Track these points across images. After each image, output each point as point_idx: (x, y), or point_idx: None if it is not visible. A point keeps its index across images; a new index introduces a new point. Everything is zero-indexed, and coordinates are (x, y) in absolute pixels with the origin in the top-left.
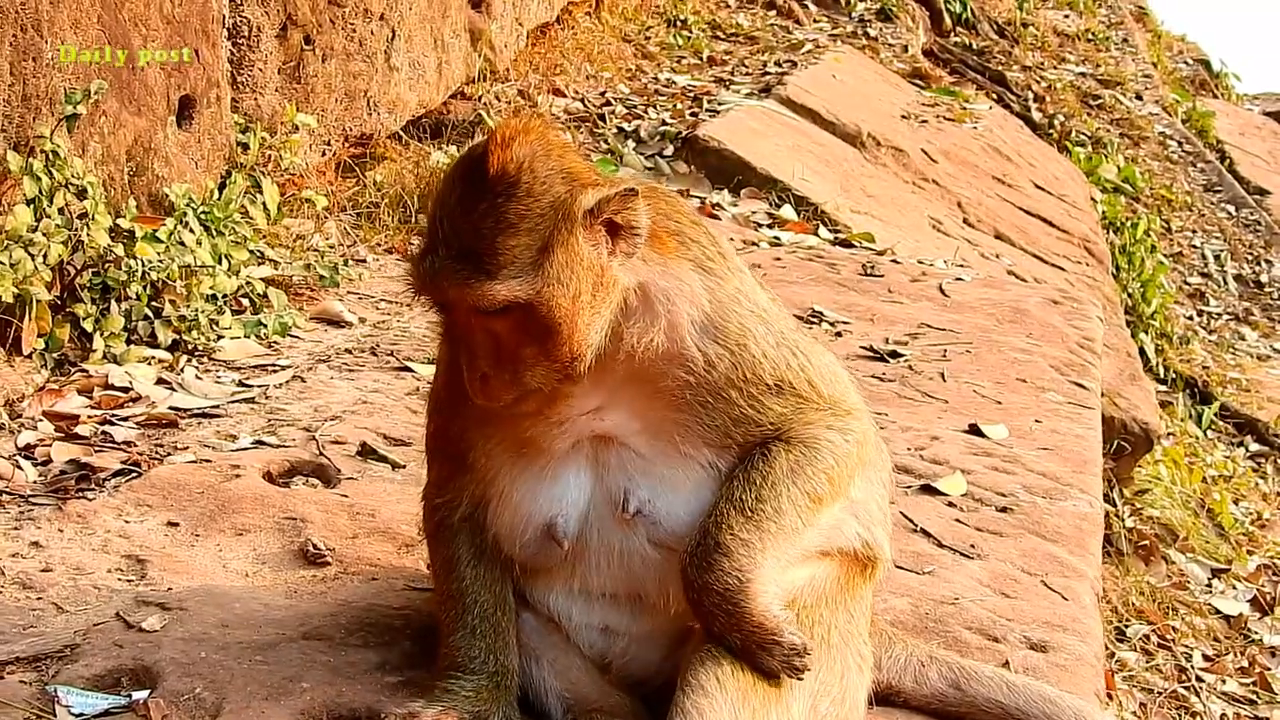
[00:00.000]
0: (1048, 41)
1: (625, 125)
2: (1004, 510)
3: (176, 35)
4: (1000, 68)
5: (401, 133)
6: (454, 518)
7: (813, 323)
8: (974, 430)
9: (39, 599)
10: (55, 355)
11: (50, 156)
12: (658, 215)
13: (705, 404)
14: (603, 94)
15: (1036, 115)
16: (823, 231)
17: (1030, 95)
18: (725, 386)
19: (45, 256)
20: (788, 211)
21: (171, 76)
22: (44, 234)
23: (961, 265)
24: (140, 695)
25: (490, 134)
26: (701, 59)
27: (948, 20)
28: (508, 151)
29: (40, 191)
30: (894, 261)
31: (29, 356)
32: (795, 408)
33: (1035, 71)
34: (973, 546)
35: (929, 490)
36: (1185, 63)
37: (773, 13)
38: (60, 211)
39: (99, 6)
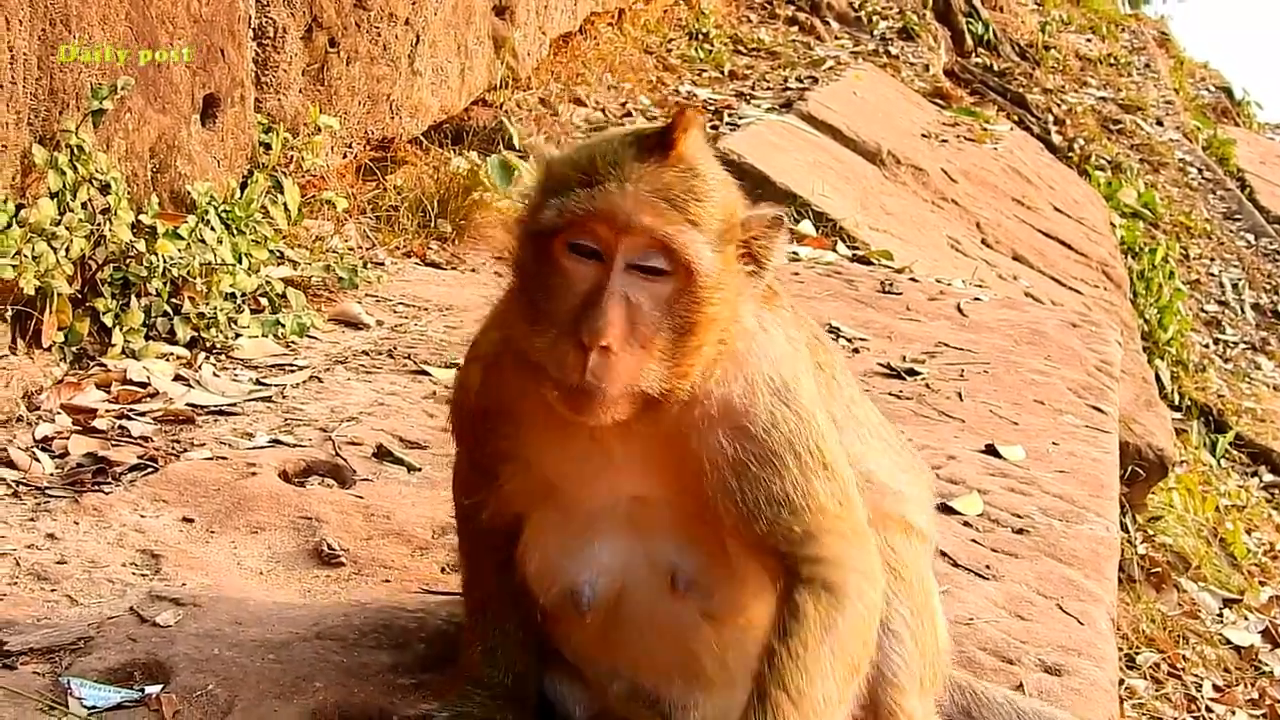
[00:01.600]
0: (1069, 65)
1: None
2: (1020, 532)
3: (203, 34)
4: (1021, 90)
5: (422, 137)
6: (480, 516)
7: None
8: (990, 451)
9: (53, 591)
10: (74, 349)
11: (75, 151)
12: None
13: (749, 473)
14: (623, 104)
15: (1056, 138)
16: (841, 248)
17: (1050, 118)
18: (782, 452)
19: (67, 250)
20: (806, 227)
21: (196, 75)
22: (67, 228)
23: (979, 285)
24: (153, 690)
25: (673, 119)
26: (723, 73)
27: (969, 41)
28: (690, 134)
29: (64, 185)
30: (912, 279)
31: (48, 349)
32: (835, 509)
33: (1056, 94)
34: (988, 567)
35: (945, 509)
36: (1207, 90)
37: (795, 29)
38: (83, 206)
39: (127, 3)
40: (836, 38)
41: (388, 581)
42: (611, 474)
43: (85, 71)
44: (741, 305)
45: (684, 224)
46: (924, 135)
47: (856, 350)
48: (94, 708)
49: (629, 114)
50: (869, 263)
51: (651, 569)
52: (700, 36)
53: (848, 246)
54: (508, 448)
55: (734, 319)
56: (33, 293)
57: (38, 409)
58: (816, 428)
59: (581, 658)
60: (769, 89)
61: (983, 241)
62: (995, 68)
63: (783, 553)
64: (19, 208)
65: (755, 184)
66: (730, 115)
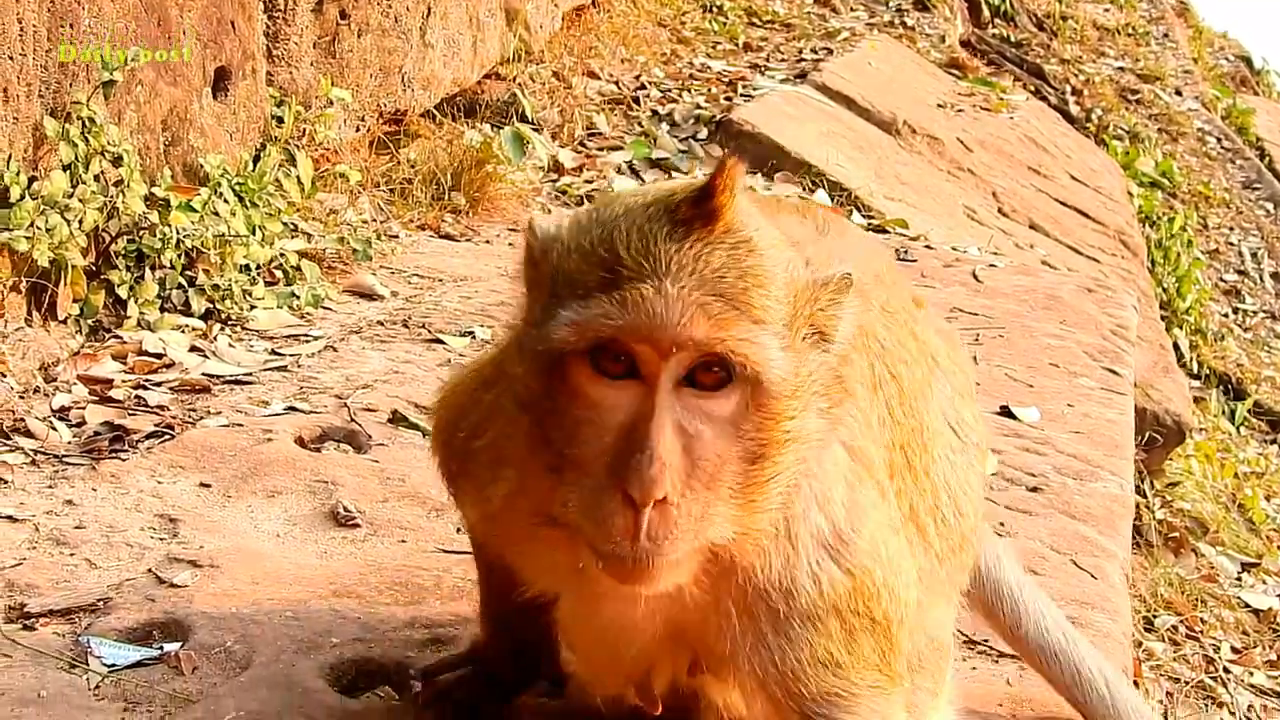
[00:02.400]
0: (1087, 35)
1: (659, 109)
2: (1034, 490)
3: (213, 6)
4: (1038, 60)
5: (435, 111)
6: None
7: None
8: (1005, 412)
9: (72, 555)
10: (90, 321)
11: (87, 123)
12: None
13: (776, 639)
14: (637, 77)
15: (1074, 109)
16: (856, 216)
17: (1068, 88)
18: (826, 616)
19: (81, 222)
20: (821, 196)
21: (207, 47)
22: (80, 200)
23: (995, 253)
24: (172, 648)
25: (711, 175)
26: (737, 45)
27: (986, 11)
28: (734, 194)
29: (76, 158)
30: (927, 247)
31: (64, 321)
32: (877, 668)
33: (1073, 65)
34: (1002, 524)
35: None
36: (1226, 59)
37: (809, 0)
38: (96, 178)
39: None
40: (851, 9)
41: (403, 542)
42: (638, 634)
43: (96, 42)
44: (815, 407)
45: (747, 324)
46: (940, 105)
47: None
48: (114, 666)
49: (643, 86)
50: (884, 231)
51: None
52: (714, 9)
53: (863, 215)
54: (529, 595)
55: (814, 430)
56: (47, 265)
57: (54, 380)
58: (870, 586)
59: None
60: (783, 60)
61: (999, 210)
62: (1012, 38)
63: (805, 713)
64: (31, 180)
65: (770, 154)
66: (744, 87)
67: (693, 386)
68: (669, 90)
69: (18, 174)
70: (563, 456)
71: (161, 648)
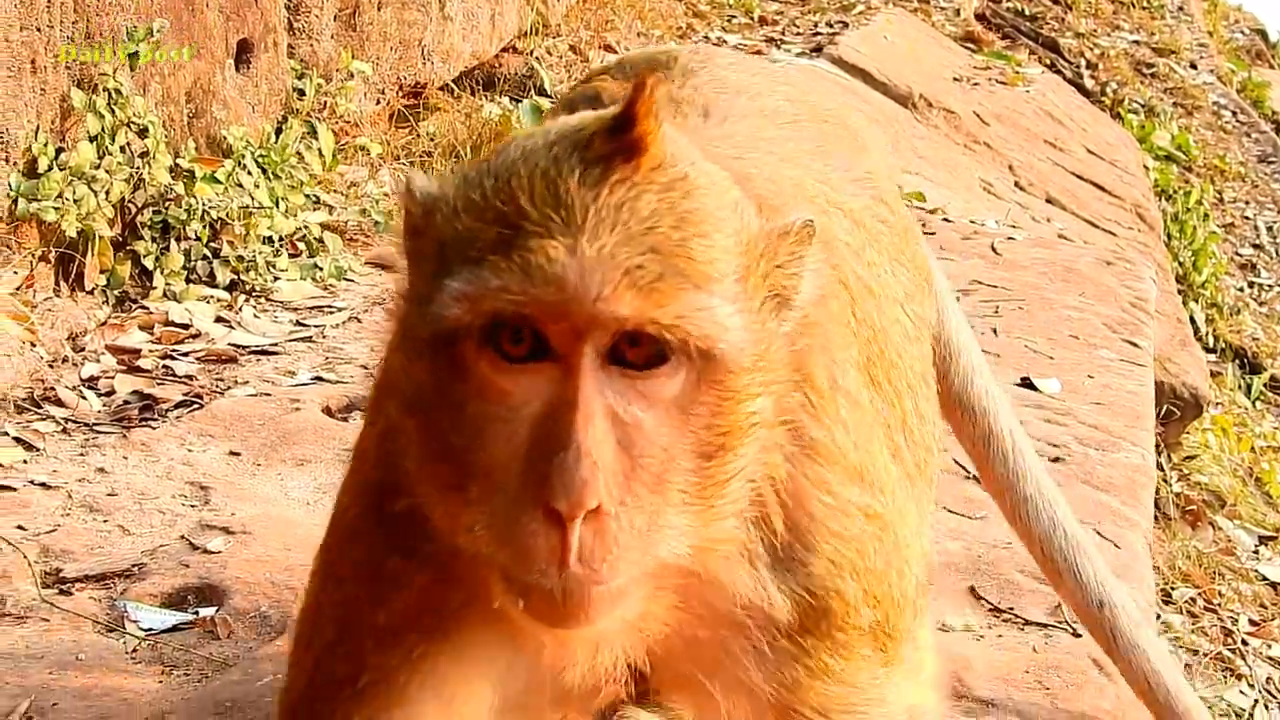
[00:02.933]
0: (1101, 8)
1: None
2: (1056, 460)
3: None
4: (1053, 34)
5: (454, 84)
6: None
7: None
8: (1026, 384)
9: (105, 522)
10: (117, 291)
11: (113, 95)
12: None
13: (758, 663)
14: None
15: (1089, 82)
16: None
17: (1083, 62)
18: (817, 631)
19: (107, 193)
20: None
21: (230, 20)
22: (106, 171)
23: (1013, 226)
24: (207, 612)
25: (629, 96)
26: (753, 18)
27: None
28: (659, 118)
29: (103, 129)
30: (945, 220)
31: (91, 292)
32: (879, 661)
33: (1088, 38)
34: None
35: None
36: (1241, 32)
37: None
38: (122, 150)
39: None
40: None
41: None
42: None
43: (121, 15)
44: (782, 380)
45: (689, 289)
46: (955, 79)
47: None
48: (150, 630)
49: None
50: None
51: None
52: None
53: None
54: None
55: (781, 410)
56: (75, 235)
57: (82, 350)
58: (851, 590)
59: None
60: (799, 34)
61: (1015, 184)
62: (1027, 12)
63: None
64: (59, 151)
65: None
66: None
67: (622, 364)
68: None
69: (45, 145)
70: (465, 468)
71: (197, 612)
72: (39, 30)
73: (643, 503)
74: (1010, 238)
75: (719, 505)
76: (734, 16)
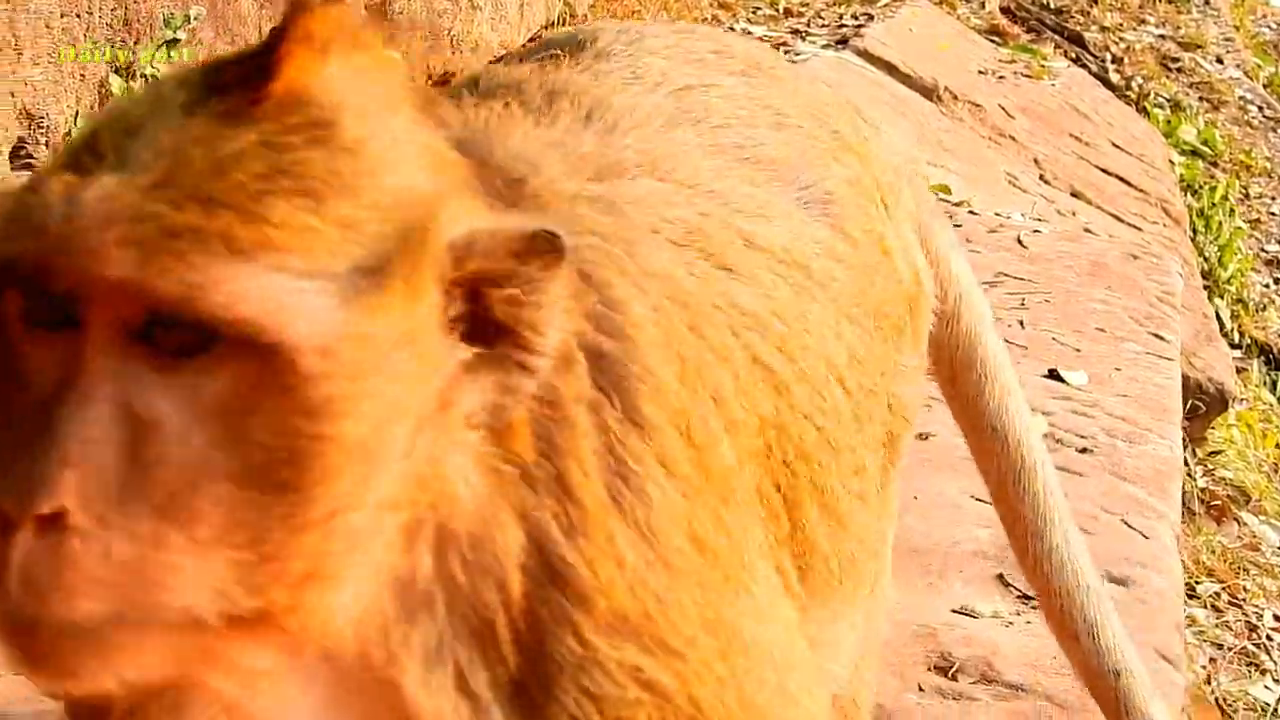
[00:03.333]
0: (1127, 2)
1: None
2: (1084, 451)
3: None
4: (1078, 28)
5: None
6: None
7: None
8: (1054, 375)
9: None
10: None
11: (150, 81)
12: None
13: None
14: None
15: (1114, 76)
16: None
17: (1108, 56)
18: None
19: None
20: None
21: (264, 8)
22: None
23: (1038, 220)
24: None
25: (281, 22)
26: (778, 10)
27: None
28: (316, 54)
29: None
30: (971, 213)
31: None
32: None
33: (1114, 32)
34: None
35: None
36: (1269, 27)
37: None
38: None
39: None
40: None
41: None
42: None
43: (159, 1)
44: (448, 429)
45: (235, 254)
46: (980, 72)
47: None
48: None
49: None
50: None
51: None
52: None
53: None
54: None
55: (432, 462)
56: None
57: None
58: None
59: None
60: (824, 26)
61: (1040, 177)
62: (1052, 5)
63: None
64: None
65: None
66: (785, 52)
67: (157, 352)
68: None
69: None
70: None
71: None
72: (78, 17)
73: (140, 526)
74: (1036, 231)
75: (290, 562)
76: (759, 8)
